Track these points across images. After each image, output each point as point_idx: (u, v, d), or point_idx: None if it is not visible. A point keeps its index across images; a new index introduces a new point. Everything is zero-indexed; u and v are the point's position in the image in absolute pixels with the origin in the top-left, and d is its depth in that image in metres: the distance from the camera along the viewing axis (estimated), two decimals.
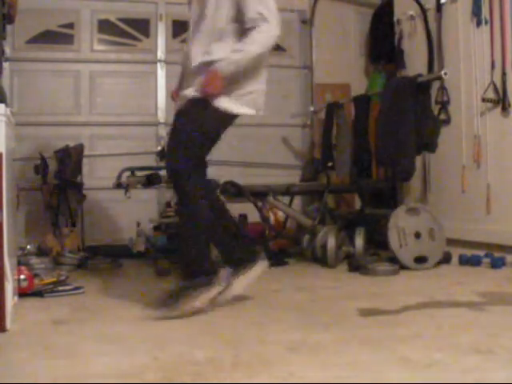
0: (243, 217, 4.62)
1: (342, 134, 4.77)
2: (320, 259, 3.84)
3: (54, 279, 3.01)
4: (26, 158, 4.72)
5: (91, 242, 4.59)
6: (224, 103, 2.55)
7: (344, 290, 3.06)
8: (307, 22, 5.65)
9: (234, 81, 2.54)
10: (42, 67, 5.08)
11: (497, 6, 4.10)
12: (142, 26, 5.34)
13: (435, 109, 4.44)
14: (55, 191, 4.44)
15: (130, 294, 3.01)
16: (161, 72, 5.31)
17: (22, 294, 2.73)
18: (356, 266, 3.55)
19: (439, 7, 4.67)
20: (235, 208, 3.66)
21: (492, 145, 4.18)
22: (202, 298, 2.47)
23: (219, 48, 2.54)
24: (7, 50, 4.73)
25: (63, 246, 4.17)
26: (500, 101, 4.06)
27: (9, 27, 4.42)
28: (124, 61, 5.28)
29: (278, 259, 3.89)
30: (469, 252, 3.76)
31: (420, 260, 3.58)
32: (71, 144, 4.59)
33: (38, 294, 2.85)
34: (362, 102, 4.73)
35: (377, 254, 3.97)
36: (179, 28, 5.20)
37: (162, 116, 5.28)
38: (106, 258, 4.02)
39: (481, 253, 3.70)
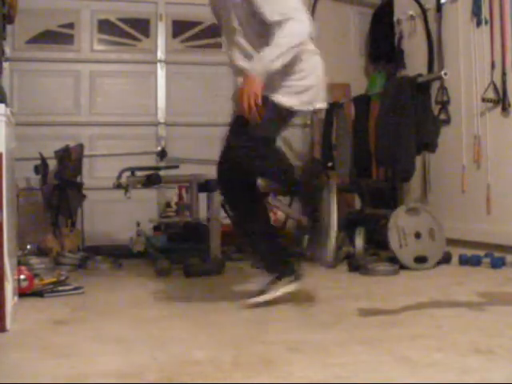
0: None
1: (342, 134, 4.76)
2: (320, 259, 3.83)
3: (54, 279, 3.00)
4: (26, 158, 4.72)
5: (91, 242, 4.58)
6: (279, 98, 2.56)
7: (344, 290, 3.06)
8: None
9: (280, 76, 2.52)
10: (42, 67, 5.08)
11: (497, 6, 4.10)
12: (142, 26, 5.33)
13: (435, 109, 4.44)
14: (55, 191, 4.43)
15: (129, 294, 3.01)
16: (161, 72, 5.31)
17: (22, 294, 2.72)
18: (356, 265, 3.55)
19: (439, 7, 4.67)
20: None
21: (492, 145, 4.18)
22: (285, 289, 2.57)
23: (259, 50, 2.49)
24: (7, 50, 4.73)
25: (63, 246, 4.16)
26: (500, 101, 4.06)
27: (9, 27, 4.44)
28: (124, 61, 5.28)
29: None
30: (469, 252, 3.75)
31: (420, 260, 3.58)
32: (71, 144, 4.58)
33: (38, 293, 2.85)
34: (362, 102, 4.73)
35: (377, 254, 3.96)
36: (179, 28, 5.20)
37: (161, 116, 5.28)
38: (106, 258, 4.02)
39: (481, 253, 3.69)
